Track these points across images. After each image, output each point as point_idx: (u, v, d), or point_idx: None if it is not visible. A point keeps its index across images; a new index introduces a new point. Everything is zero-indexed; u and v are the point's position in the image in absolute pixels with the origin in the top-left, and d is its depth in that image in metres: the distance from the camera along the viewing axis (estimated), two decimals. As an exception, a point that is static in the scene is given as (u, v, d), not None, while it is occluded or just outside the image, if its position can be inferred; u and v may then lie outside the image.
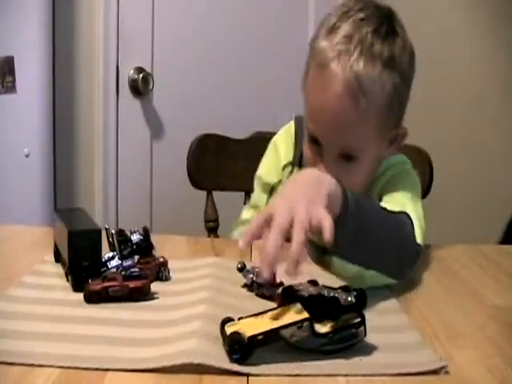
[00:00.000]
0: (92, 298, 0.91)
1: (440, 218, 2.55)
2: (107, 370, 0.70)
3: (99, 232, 0.98)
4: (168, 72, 2.49)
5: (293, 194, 0.86)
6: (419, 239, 1.05)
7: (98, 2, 2.41)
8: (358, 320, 0.75)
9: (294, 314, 0.74)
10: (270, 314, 0.76)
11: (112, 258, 1.01)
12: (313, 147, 1.18)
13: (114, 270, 0.99)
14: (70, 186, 2.48)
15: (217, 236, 1.70)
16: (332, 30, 1.11)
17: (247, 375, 0.70)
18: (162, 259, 1.03)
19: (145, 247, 1.05)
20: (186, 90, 2.50)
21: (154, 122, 2.52)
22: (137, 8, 2.46)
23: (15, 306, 0.89)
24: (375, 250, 0.96)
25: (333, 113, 1.10)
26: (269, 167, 1.40)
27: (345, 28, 1.10)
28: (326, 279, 0.89)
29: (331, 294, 0.77)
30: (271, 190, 1.36)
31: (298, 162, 1.32)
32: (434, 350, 0.78)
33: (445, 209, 2.58)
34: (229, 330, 0.74)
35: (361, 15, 1.12)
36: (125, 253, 1.01)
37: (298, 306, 0.75)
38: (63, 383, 0.67)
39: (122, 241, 1.02)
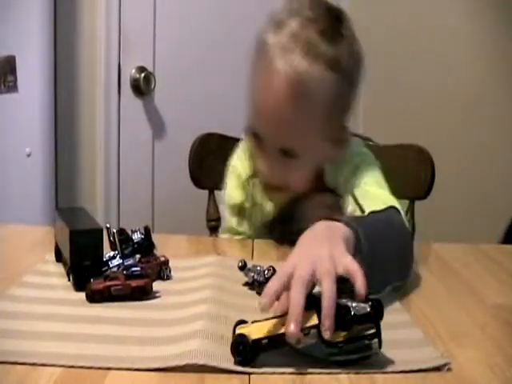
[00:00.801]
0: (94, 297, 0.91)
1: (441, 218, 2.55)
2: (109, 369, 0.70)
3: (101, 231, 0.98)
4: (170, 71, 2.49)
5: (312, 246, 0.82)
6: (406, 224, 1.07)
7: (100, 1, 2.41)
8: (373, 331, 0.72)
9: (304, 320, 0.72)
10: (282, 319, 0.74)
11: (113, 258, 1.01)
12: (253, 140, 1.19)
13: (116, 269, 0.99)
14: (72, 186, 2.48)
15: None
16: (279, 25, 1.12)
17: (249, 374, 0.70)
18: (163, 258, 1.03)
19: (146, 246, 1.05)
20: (188, 90, 2.50)
21: (155, 122, 2.52)
22: (138, 7, 2.46)
23: (17, 305, 0.89)
24: (385, 271, 0.94)
25: (274, 112, 1.11)
26: (232, 188, 1.37)
27: (292, 25, 1.10)
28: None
29: (347, 304, 0.73)
30: (238, 209, 1.35)
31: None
32: (436, 348, 0.78)
33: (446, 208, 2.58)
34: (238, 331, 0.74)
35: (310, 14, 1.11)
36: (126, 252, 1.02)
37: (312, 313, 0.73)
38: (65, 382, 0.67)
39: (123, 240, 1.02)
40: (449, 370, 0.72)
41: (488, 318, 0.91)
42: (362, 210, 1.13)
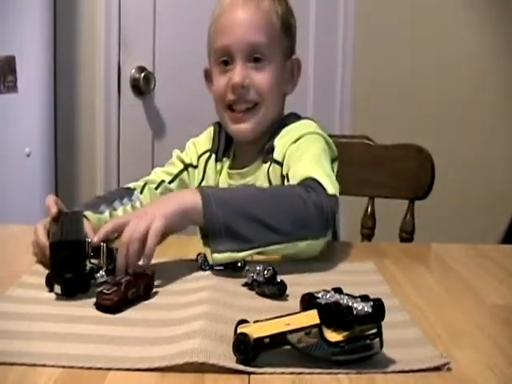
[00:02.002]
0: (116, 307, 0.87)
1: (441, 217, 2.55)
2: (109, 369, 0.70)
3: (81, 243, 0.95)
4: (170, 71, 2.49)
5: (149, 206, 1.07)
6: (331, 190, 1.11)
7: (100, 0, 2.41)
8: (374, 331, 0.72)
9: (305, 320, 0.72)
10: (284, 318, 0.74)
11: (96, 271, 0.98)
12: (224, 68, 1.34)
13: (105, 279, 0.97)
14: (72, 186, 2.48)
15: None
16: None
17: (249, 374, 0.70)
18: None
19: None
20: (188, 89, 2.50)
21: (155, 121, 2.52)
22: (138, 7, 2.46)
23: (15, 306, 0.89)
24: (264, 226, 1.04)
25: (241, 16, 1.31)
26: (189, 151, 1.55)
27: None
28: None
29: (349, 303, 0.74)
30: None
31: (215, 150, 1.45)
32: (436, 348, 0.78)
33: (446, 208, 2.58)
34: (239, 331, 0.74)
35: None
36: (110, 267, 0.99)
37: (313, 312, 0.73)
38: (65, 383, 0.67)
39: (109, 255, 1.00)
40: (448, 369, 0.72)
41: (487, 318, 0.91)
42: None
